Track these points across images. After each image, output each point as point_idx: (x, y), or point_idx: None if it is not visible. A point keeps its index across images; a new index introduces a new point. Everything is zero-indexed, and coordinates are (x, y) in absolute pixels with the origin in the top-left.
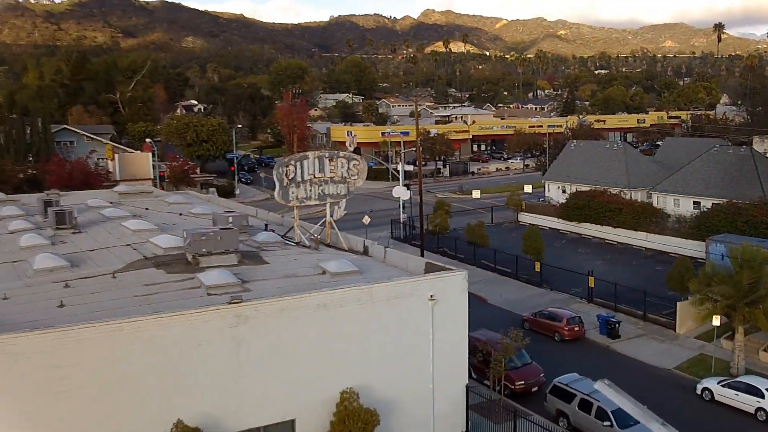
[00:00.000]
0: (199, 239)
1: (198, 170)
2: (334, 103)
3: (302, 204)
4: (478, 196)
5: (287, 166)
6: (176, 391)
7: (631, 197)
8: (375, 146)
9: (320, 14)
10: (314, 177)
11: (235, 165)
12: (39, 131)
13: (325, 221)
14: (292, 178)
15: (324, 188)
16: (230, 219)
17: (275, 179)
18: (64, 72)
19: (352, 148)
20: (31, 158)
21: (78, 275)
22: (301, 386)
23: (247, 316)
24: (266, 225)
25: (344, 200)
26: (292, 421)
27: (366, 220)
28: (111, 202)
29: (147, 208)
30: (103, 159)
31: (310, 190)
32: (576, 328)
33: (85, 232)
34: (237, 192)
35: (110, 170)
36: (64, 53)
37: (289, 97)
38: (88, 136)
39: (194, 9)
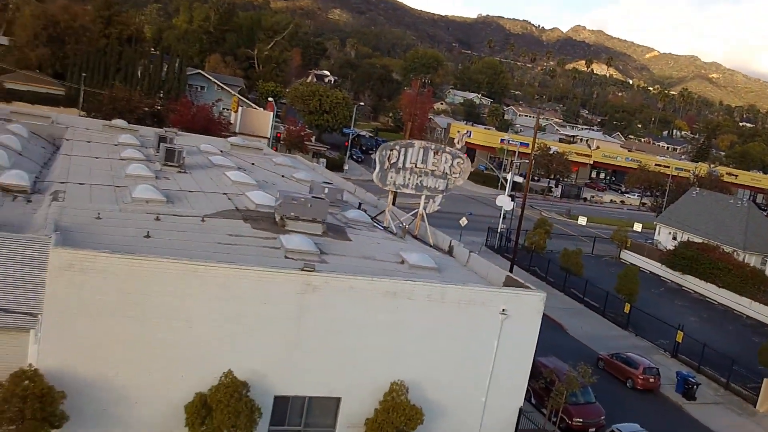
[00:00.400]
0: (289, 202)
1: (313, 139)
2: (462, 101)
3: (398, 190)
4: (584, 223)
5: (391, 150)
6: (233, 342)
7: (744, 259)
8: (491, 151)
9: (469, 10)
10: (415, 166)
11: (349, 141)
12: (175, 71)
13: (417, 212)
14: (393, 163)
15: (423, 179)
16: (326, 190)
17: (377, 161)
18: (211, 20)
19: (459, 146)
20: (162, 95)
21: (170, 211)
22: (354, 367)
23: (315, 286)
24: (360, 204)
25: (440, 196)
26: (338, 399)
27: (463, 221)
28: (221, 151)
29: (253, 164)
30: (227, 109)
31: (409, 179)
32: (651, 379)
33: (189, 173)
34: (346, 167)
35: (231, 121)
36: (216, 2)
37: (417, 86)
38: (218, 85)
39: None
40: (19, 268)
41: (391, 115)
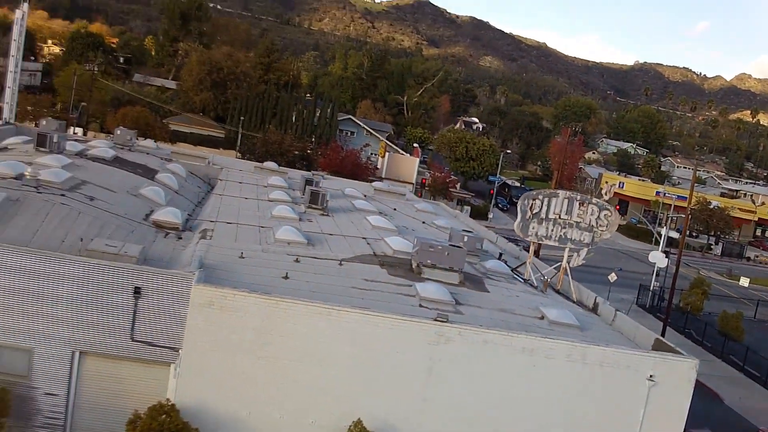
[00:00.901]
0: (426, 249)
1: (458, 186)
2: (615, 150)
3: (540, 242)
4: (747, 284)
5: (533, 200)
6: (363, 390)
7: None
8: (645, 204)
9: (625, 57)
10: (559, 217)
11: (495, 189)
12: (327, 116)
13: (560, 266)
14: (535, 213)
15: (567, 231)
16: (465, 238)
17: (519, 210)
18: (364, 66)
19: (607, 197)
20: (313, 139)
21: (310, 253)
22: (485, 424)
23: (448, 338)
24: (500, 254)
25: (585, 249)
26: None
27: (612, 277)
28: (365, 195)
29: (395, 209)
30: (375, 154)
31: (552, 230)
32: None
33: (332, 216)
34: (490, 216)
35: (378, 166)
36: (369, 50)
37: (568, 134)
38: (368, 130)
39: (500, 30)
40: (165, 303)
41: (539, 163)
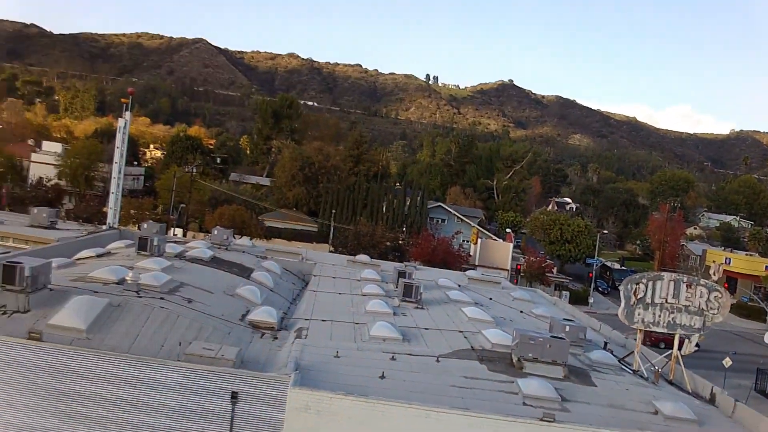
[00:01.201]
0: (527, 342)
1: (555, 270)
2: (717, 224)
3: (647, 329)
4: None
5: (637, 284)
6: None
7: None
8: (755, 280)
9: (720, 126)
10: (666, 301)
11: (594, 272)
12: (417, 205)
13: (670, 354)
14: (640, 298)
15: (675, 316)
16: (567, 328)
17: (622, 296)
18: (452, 153)
19: (716, 278)
20: (404, 228)
21: (406, 350)
22: None
23: None
24: (605, 343)
25: (697, 335)
26: None
27: (727, 362)
28: (459, 285)
29: (490, 298)
30: (467, 241)
31: (659, 316)
32: None
33: (426, 309)
34: (590, 301)
35: (471, 253)
36: (456, 136)
37: (666, 210)
38: (458, 217)
39: (587, 107)
40: (262, 408)
41: (638, 242)
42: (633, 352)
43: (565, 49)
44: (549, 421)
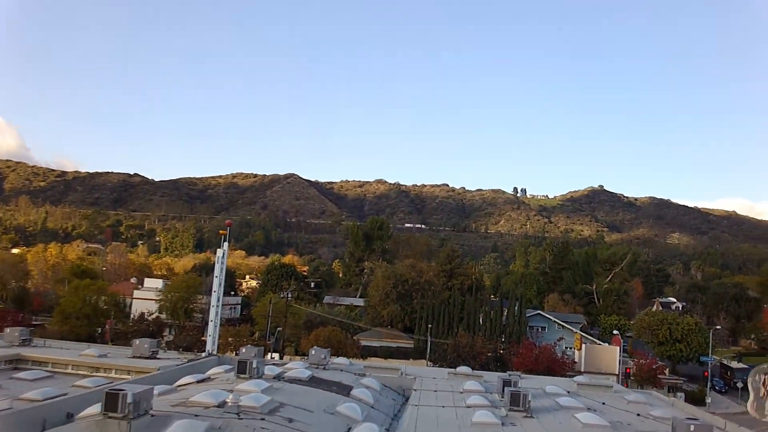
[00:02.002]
0: None
1: (667, 371)
2: None
3: None
4: None
5: (766, 375)
6: None
7: None
8: None
9: None
10: None
11: (709, 370)
12: (515, 314)
13: None
14: None
15: None
16: (692, 428)
17: (750, 388)
18: (547, 261)
19: None
20: (503, 338)
21: None
22: None
23: None
24: None
25: None
26: None
27: None
28: (568, 392)
29: (603, 403)
30: (570, 348)
31: None
32: None
33: (536, 417)
34: (708, 400)
35: (575, 360)
36: (549, 244)
37: None
38: (559, 324)
39: (683, 206)
40: None
41: (752, 336)
42: None
43: (653, 149)
44: None
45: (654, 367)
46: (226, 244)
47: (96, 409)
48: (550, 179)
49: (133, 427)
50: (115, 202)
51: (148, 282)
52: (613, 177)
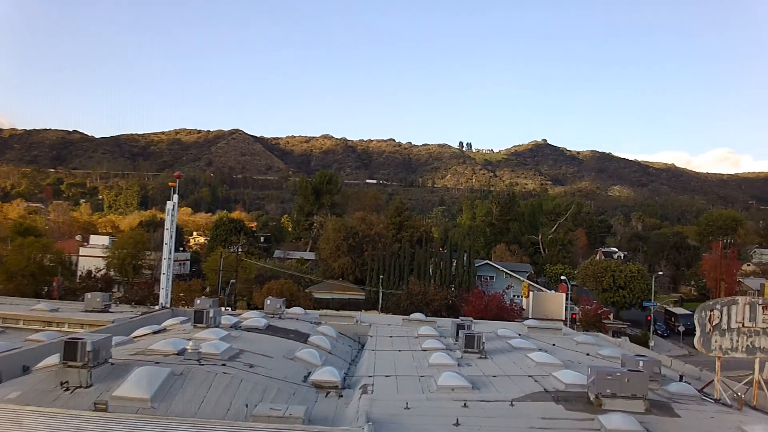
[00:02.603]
0: (603, 378)
1: (611, 317)
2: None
3: (725, 355)
4: None
5: (711, 311)
6: None
7: None
8: None
9: (761, 164)
10: (743, 326)
11: (652, 315)
12: (464, 265)
13: (751, 379)
14: (716, 325)
15: (754, 340)
16: (641, 363)
17: (696, 324)
18: (493, 213)
19: None
20: (453, 288)
21: (477, 398)
22: None
23: None
24: (681, 376)
25: None
26: None
27: None
28: (519, 335)
29: (554, 344)
30: (518, 296)
31: (737, 341)
32: None
33: (490, 358)
34: (651, 344)
35: (523, 307)
36: (496, 196)
37: (720, 248)
38: (507, 273)
39: (624, 159)
40: None
41: (692, 283)
42: (712, 381)
43: (596, 104)
44: None
45: (599, 312)
46: (175, 196)
47: (54, 360)
48: (495, 134)
49: (93, 375)
50: (55, 160)
51: (94, 239)
52: (557, 131)
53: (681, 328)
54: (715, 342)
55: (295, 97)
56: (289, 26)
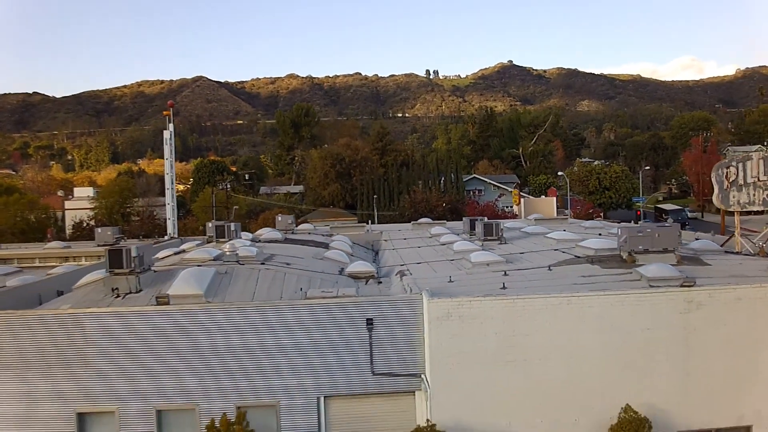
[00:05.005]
0: (635, 236)
1: (602, 216)
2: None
3: (744, 209)
4: None
5: (727, 168)
6: (621, 375)
7: None
8: None
9: (725, 69)
10: (758, 180)
11: (642, 210)
12: (452, 180)
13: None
14: (732, 181)
15: None
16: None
17: (714, 182)
18: (470, 133)
19: None
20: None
21: (514, 268)
22: (763, 387)
23: (699, 303)
24: (696, 238)
25: None
26: (748, 428)
27: None
28: (528, 225)
29: (564, 230)
30: (509, 206)
31: (754, 195)
32: None
33: (510, 243)
34: None
35: (516, 213)
36: (471, 117)
37: (700, 142)
38: (494, 185)
39: (590, 73)
40: (399, 329)
41: (672, 181)
42: (733, 235)
43: (558, 20)
44: (690, 285)
45: (590, 211)
46: (171, 125)
47: (92, 277)
48: (461, 59)
49: (141, 281)
50: (18, 124)
51: (78, 191)
52: (522, 51)
53: (671, 222)
54: (733, 197)
55: (256, 38)
56: None
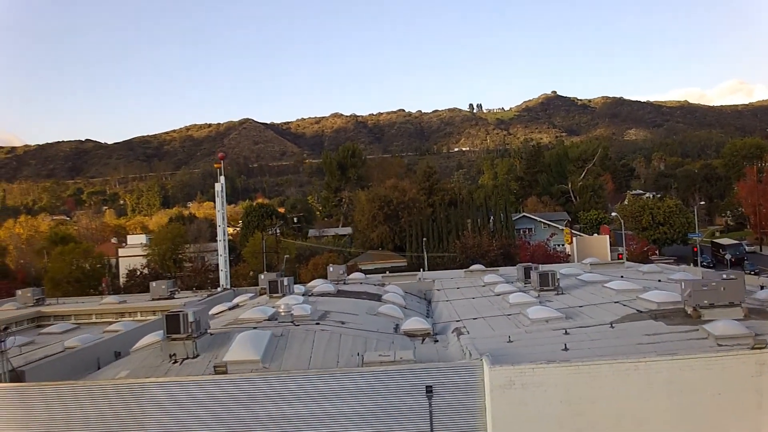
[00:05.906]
0: (700, 290)
1: (657, 253)
2: None
3: None
4: None
5: None
6: None
7: None
8: None
9: None
10: None
11: (698, 246)
12: (501, 219)
13: None
14: None
15: None
16: (723, 275)
17: None
18: (516, 169)
19: None
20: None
21: (573, 325)
22: None
23: None
24: (761, 287)
25: None
26: None
27: None
28: (583, 272)
29: (621, 276)
30: (560, 245)
31: None
32: None
33: (567, 293)
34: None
35: (568, 253)
36: (518, 151)
37: (754, 173)
38: (545, 223)
39: (636, 101)
40: (459, 396)
41: (728, 213)
42: None
43: (601, 49)
44: (761, 348)
45: (645, 249)
46: (222, 177)
47: (150, 339)
48: (504, 91)
49: (198, 345)
50: (72, 171)
51: (132, 239)
52: (565, 82)
53: (729, 257)
54: None
55: (300, 79)
56: (279, 7)
